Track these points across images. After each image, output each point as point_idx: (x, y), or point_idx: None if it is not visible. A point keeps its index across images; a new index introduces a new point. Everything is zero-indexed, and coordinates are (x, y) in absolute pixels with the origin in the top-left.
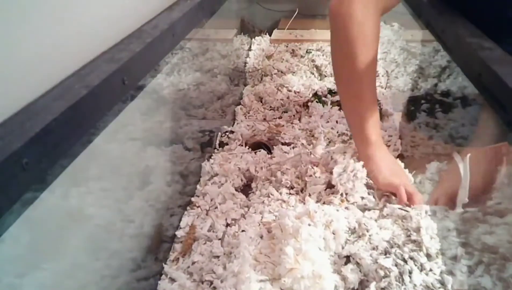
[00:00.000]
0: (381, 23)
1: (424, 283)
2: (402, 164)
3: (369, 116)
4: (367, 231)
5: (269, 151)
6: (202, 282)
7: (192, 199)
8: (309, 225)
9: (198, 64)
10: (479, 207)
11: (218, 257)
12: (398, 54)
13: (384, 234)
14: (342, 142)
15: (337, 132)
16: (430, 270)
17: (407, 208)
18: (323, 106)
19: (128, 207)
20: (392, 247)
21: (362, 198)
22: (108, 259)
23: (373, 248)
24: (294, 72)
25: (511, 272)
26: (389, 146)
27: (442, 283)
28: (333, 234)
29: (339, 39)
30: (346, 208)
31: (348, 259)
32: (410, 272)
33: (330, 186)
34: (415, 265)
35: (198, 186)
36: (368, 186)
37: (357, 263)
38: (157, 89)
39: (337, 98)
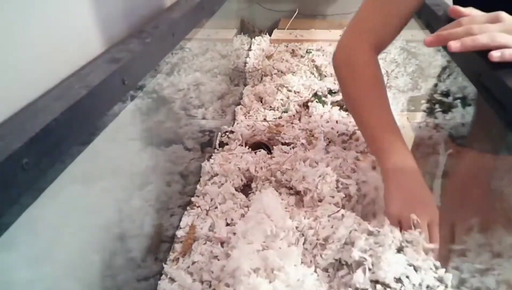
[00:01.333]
0: None
1: (424, 283)
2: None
3: (384, 124)
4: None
5: (269, 151)
6: (202, 282)
7: (192, 199)
8: None
9: (198, 64)
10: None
11: (218, 257)
12: (398, 54)
13: None
14: (342, 142)
15: (337, 132)
16: (430, 269)
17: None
18: (323, 106)
19: (128, 207)
20: None
21: (332, 197)
22: (108, 259)
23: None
24: (294, 72)
25: None
26: None
27: (442, 282)
28: (327, 241)
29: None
30: (342, 215)
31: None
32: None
33: None
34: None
35: (198, 186)
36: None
37: None
38: (157, 89)
39: (337, 98)
